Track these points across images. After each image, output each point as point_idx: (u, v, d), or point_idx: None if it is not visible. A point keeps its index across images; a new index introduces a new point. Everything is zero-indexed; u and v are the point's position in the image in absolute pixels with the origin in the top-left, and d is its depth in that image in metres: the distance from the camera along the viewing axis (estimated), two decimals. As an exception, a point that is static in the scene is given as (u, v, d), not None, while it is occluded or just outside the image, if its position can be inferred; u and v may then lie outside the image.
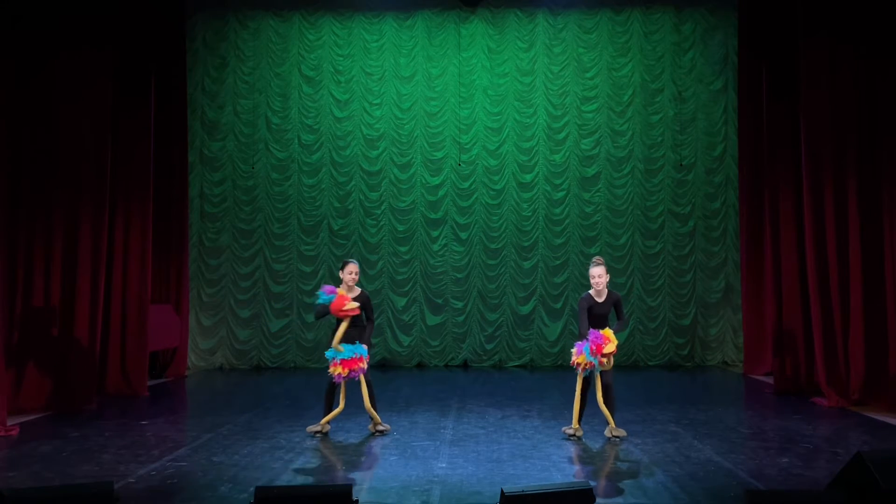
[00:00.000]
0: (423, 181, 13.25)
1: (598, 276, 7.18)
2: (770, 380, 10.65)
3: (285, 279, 13.14)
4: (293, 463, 6.38)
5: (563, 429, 7.44)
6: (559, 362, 12.76)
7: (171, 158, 11.91)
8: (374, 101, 13.30)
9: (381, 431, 7.53)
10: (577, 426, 7.27)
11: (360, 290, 7.55)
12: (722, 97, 13.18)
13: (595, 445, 7.02)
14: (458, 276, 13.19)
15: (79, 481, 5.68)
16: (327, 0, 13.25)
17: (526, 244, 13.21)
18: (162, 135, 11.40)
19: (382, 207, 13.22)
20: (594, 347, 6.93)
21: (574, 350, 7.15)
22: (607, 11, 13.24)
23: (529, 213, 13.23)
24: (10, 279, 8.67)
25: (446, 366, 13.04)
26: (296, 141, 13.26)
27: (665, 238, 13.19)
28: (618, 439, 7.13)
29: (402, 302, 13.14)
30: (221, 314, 13.10)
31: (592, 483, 5.69)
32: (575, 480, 5.80)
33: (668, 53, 13.24)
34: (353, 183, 13.22)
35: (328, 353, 7.38)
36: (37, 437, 7.43)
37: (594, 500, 4.45)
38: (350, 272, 7.47)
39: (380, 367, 12.42)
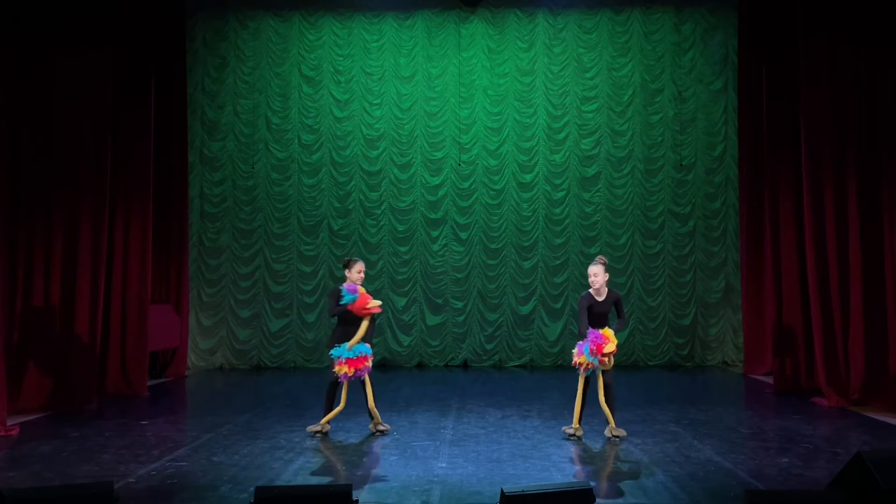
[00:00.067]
0: (423, 181, 13.24)
1: (594, 274, 7.18)
2: (770, 380, 10.65)
3: (285, 279, 13.14)
4: (293, 463, 6.38)
5: (563, 428, 7.44)
6: (559, 362, 12.77)
7: (171, 158, 11.92)
8: (374, 101, 13.29)
9: (382, 431, 7.53)
10: (578, 426, 7.27)
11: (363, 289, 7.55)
12: (722, 97, 13.18)
13: (595, 445, 7.02)
14: (458, 276, 13.19)
15: (79, 481, 5.68)
16: (327, 0, 13.26)
17: (526, 244, 13.21)
18: (162, 135, 11.40)
19: (382, 207, 13.22)
20: (594, 347, 6.93)
21: (575, 350, 7.15)
22: (607, 11, 13.24)
23: (529, 213, 13.23)
24: (10, 279, 8.67)
25: (446, 366, 13.04)
26: (296, 141, 13.26)
27: (665, 238, 13.18)
28: (618, 439, 7.13)
29: (402, 302, 13.14)
30: (221, 314, 13.10)
31: (592, 483, 5.70)
32: (575, 480, 5.81)
33: (668, 53, 13.24)
34: (353, 183, 13.22)
35: (333, 352, 7.35)
36: (37, 436, 7.43)
37: (594, 501, 4.45)
38: (359, 270, 7.48)
39: (380, 367, 12.37)
